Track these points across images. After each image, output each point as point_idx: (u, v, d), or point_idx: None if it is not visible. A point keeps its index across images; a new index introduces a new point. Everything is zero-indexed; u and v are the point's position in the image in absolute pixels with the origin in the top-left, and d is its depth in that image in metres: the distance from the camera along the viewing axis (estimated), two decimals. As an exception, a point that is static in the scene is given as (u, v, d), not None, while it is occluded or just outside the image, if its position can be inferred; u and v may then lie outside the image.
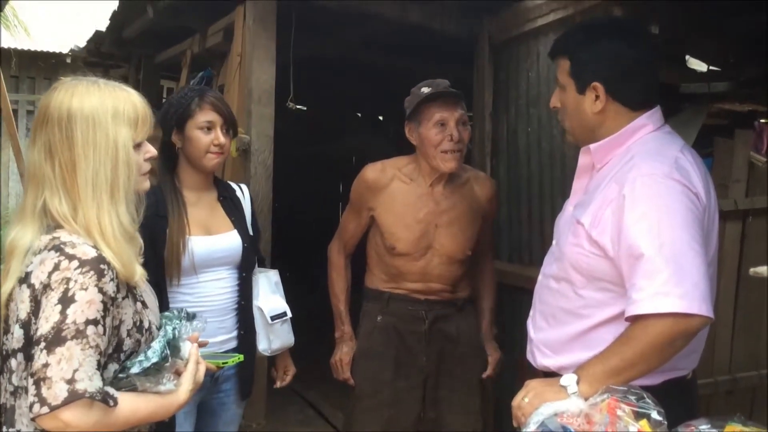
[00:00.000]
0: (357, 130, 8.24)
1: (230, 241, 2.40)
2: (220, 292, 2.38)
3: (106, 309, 1.44)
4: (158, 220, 2.24)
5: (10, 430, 1.47)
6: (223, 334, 2.37)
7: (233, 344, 2.39)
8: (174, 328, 1.61)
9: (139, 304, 1.57)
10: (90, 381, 1.39)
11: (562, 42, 1.91)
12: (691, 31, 3.25)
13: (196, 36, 4.64)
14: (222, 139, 2.35)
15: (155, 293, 1.74)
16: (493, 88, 3.90)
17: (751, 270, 2.21)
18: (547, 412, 1.57)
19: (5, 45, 8.85)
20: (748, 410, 3.18)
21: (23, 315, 1.44)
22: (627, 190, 1.64)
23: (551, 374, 1.80)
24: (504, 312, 3.41)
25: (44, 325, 1.39)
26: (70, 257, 1.42)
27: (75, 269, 1.41)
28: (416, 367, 2.76)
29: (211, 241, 2.36)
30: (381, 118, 8.67)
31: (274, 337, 2.50)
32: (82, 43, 6.56)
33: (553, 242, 1.95)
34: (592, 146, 1.84)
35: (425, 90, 2.65)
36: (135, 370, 1.49)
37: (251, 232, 2.51)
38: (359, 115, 8.67)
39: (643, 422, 1.45)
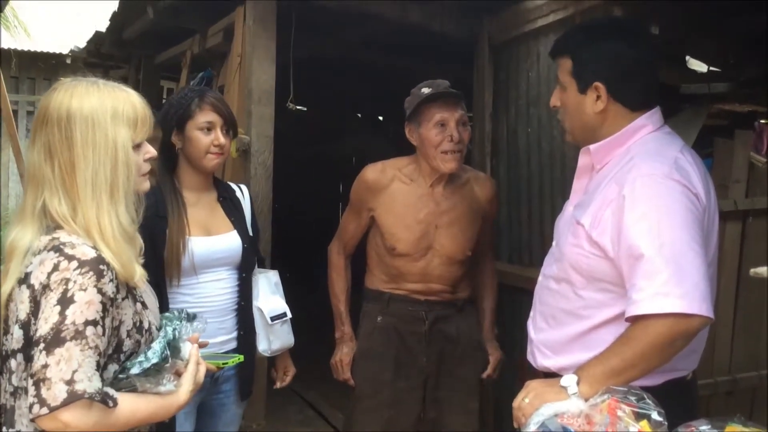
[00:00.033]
0: (357, 131, 8.24)
1: (230, 242, 2.40)
2: (220, 293, 2.37)
3: (105, 310, 1.44)
4: (158, 220, 2.24)
5: (10, 430, 1.47)
6: (223, 335, 2.37)
7: (233, 345, 2.39)
8: (174, 329, 1.61)
9: (138, 305, 1.57)
10: (89, 382, 1.39)
11: (564, 41, 1.91)
12: (691, 31, 3.25)
13: (196, 36, 4.64)
14: (222, 139, 2.35)
15: (155, 294, 1.74)
16: (493, 89, 3.90)
17: (752, 270, 2.21)
18: (548, 412, 1.57)
19: (5, 46, 8.85)
20: (748, 411, 3.18)
21: (23, 316, 1.44)
22: (627, 191, 1.64)
23: (551, 375, 1.80)
24: (504, 313, 3.40)
25: (43, 326, 1.39)
26: (70, 258, 1.42)
27: (74, 270, 1.41)
28: (416, 367, 2.76)
29: (211, 241, 2.36)
30: (381, 118, 8.67)
31: (274, 338, 2.50)
32: (82, 44, 6.57)
33: (553, 243, 1.95)
34: (591, 147, 1.84)
35: (425, 90, 2.65)
36: (135, 370, 1.49)
37: (251, 233, 2.51)
38: (359, 115, 8.67)
39: (644, 423, 1.45)
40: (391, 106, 5.01)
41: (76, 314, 1.39)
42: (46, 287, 1.41)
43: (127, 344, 1.53)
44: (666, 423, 1.47)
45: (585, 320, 1.76)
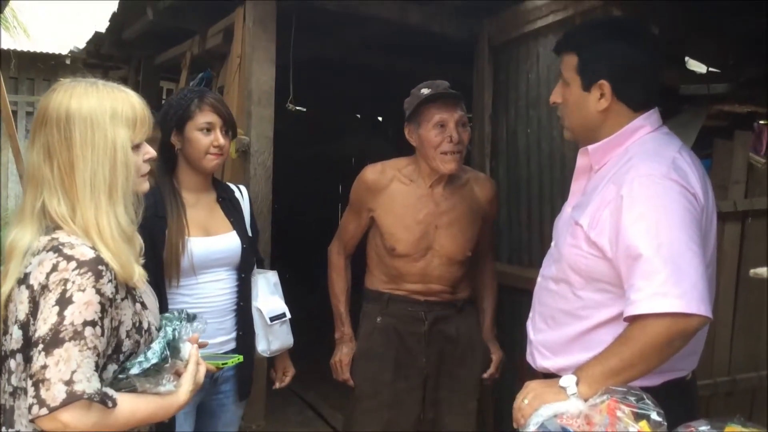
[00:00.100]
0: (357, 131, 8.24)
1: (229, 242, 2.40)
2: (219, 293, 2.38)
3: (104, 310, 1.44)
4: (157, 221, 2.24)
5: (10, 430, 1.47)
6: (222, 335, 2.37)
7: (232, 345, 2.39)
8: (174, 329, 1.61)
9: (138, 305, 1.57)
10: (88, 382, 1.39)
11: (570, 37, 1.91)
12: (691, 31, 3.25)
13: (196, 37, 4.64)
14: (221, 140, 2.36)
15: (155, 294, 1.74)
16: (492, 90, 3.90)
17: (751, 271, 2.21)
18: (547, 413, 1.57)
19: (5, 46, 8.84)
20: (748, 411, 3.18)
21: (22, 316, 1.44)
22: (625, 191, 1.64)
23: (551, 376, 1.79)
24: (504, 313, 3.40)
25: (42, 327, 1.39)
26: (69, 258, 1.43)
27: (73, 270, 1.41)
28: (416, 368, 2.76)
29: (210, 242, 2.36)
30: (380, 119, 8.67)
31: (273, 338, 2.50)
32: (82, 45, 6.58)
33: (552, 244, 1.95)
34: (590, 147, 1.84)
35: (425, 91, 2.65)
36: (135, 371, 1.49)
37: (250, 233, 2.51)
38: (359, 116, 8.67)
39: (643, 423, 1.46)
40: (390, 107, 5.01)
41: (75, 315, 1.39)
42: (45, 288, 1.41)
43: (127, 345, 1.53)
44: (665, 423, 1.47)
45: (584, 321, 1.76)
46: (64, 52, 8.97)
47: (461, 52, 4.08)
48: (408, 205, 2.72)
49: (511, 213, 3.74)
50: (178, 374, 1.59)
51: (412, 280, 2.75)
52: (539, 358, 1.90)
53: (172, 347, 1.58)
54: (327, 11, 3.85)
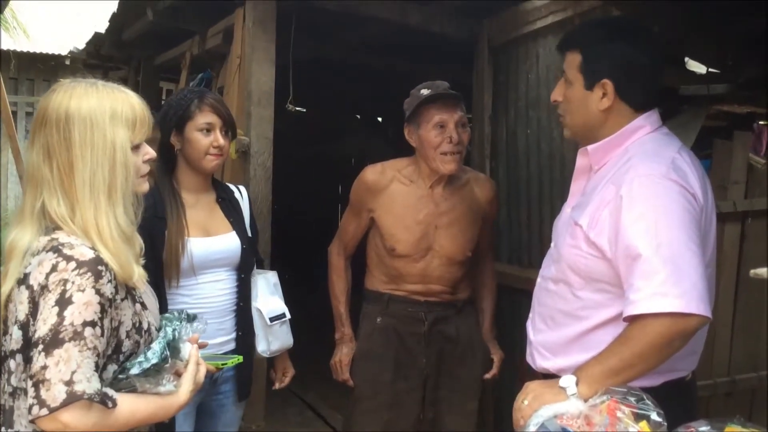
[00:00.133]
0: (356, 132, 8.25)
1: (229, 243, 2.40)
2: (219, 294, 2.37)
3: (103, 311, 1.44)
4: (157, 221, 2.24)
5: (9, 431, 1.47)
6: (222, 336, 2.36)
7: (232, 346, 2.39)
8: (174, 330, 1.61)
9: (138, 306, 1.57)
10: (88, 382, 1.39)
11: (574, 35, 1.90)
12: (691, 31, 3.25)
13: (196, 38, 4.64)
14: (221, 141, 2.36)
15: (155, 295, 1.74)
16: (492, 90, 3.90)
17: (752, 271, 2.21)
18: (547, 414, 1.57)
19: (4, 47, 8.84)
20: (748, 412, 3.18)
21: (22, 316, 1.44)
22: (624, 191, 1.64)
23: (551, 376, 1.79)
24: (504, 314, 3.41)
25: (42, 327, 1.39)
26: (68, 258, 1.43)
27: (72, 270, 1.41)
28: (416, 368, 2.76)
29: (210, 242, 2.36)
30: (380, 119, 8.68)
31: (273, 339, 2.50)
32: (82, 45, 6.58)
33: (552, 244, 1.95)
34: (589, 147, 1.84)
35: (424, 92, 2.65)
36: (135, 371, 1.49)
37: (250, 234, 2.51)
38: (359, 116, 8.68)
39: (643, 423, 1.46)
40: (390, 107, 5.01)
41: (75, 315, 1.39)
42: (44, 288, 1.41)
43: (126, 345, 1.53)
44: (665, 424, 1.47)
45: (583, 321, 1.76)
46: (64, 52, 8.99)
47: (461, 52, 4.08)
48: (408, 206, 2.72)
49: (511, 213, 3.74)
50: (178, 374, 1.59)
51: (412, 281, 2.75)
52: (539, 358, 1.90)
53: (172, 347, 1.58)
54: (327, 11, 3.85)
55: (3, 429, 1.48)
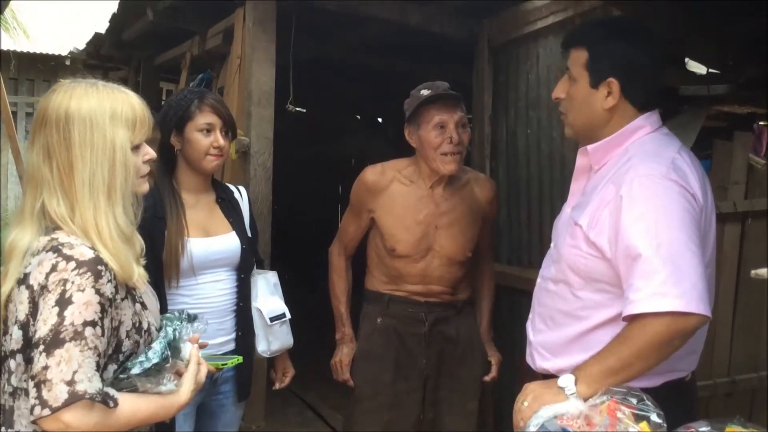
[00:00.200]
0: (356, 132, 8.25)
1: (228, 243, 2.40)
2: (219, 294, 2.38)
3: (103, 310, 1.44)
4: (157, 222, 2.24)
5: (10, 431, 1.47)
6: (222, 336, 2.37)
7: (232, 346, 2.39)
8: (174, 330, 1.61)
9: (138, 306, 1.57)
10: (90, 382, 1.39)
11: (580, 33, 1.90)
12: (691, 31, 3.25)
13: (196, 38, 4.64)
14: (221, 141, 2.36)
15: (155, 295, 1.74)
16: (492, 90, 3.90)
17: (752, 272, 2.21)
18: (547, 414, 1.57)
19: (4, 47, 8.85)
20: (747, 412, 3.18)
21: (22, 316, 1.44)
22: (624, 191, 1.64)
23: (551, 377, 1.79)
24: (504, 314, 3.41)
25: (42, 328, 1.39)
26: (68, 258, 1.43)
27: (72, 270, 1.41)
28: (416, 368, 2.76)
29: (210, 242, 2.36)
30: (380, 119, 8.68)
31: (273, 339, 2.50)
32: (82, 46, 6.58)
33: (551, 244, 1.95)
34: (589, 147, 1.84)
35: (425, 92, 2.65)
36: (136, 370, 1.49)
37: (249, 234, 2.51)
38: (359, 116, 8.68)
39: (643, 424, 1.46)
40: (390, 108, 5.01)
41: (75, 315, 1.39)
42: (44, 288, 1.41)
43: (126, 345, 1.53)
44: (665, 425, 1.47)
45: (583, 321, 1.76)
46: (64, 53, 8.99)
47: (461, 52, 4.08)
48: (408, 206, 2.72)
49: (511, 213, 3.74)
50: (178, 374, 1.59)
51: (412, 281, 2.75)
52: (539, 359, 1.90)
53: (173, 347, 1.58)
54: (327, 11, 3.85)
55: (3, 429, 1.48)
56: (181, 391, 1.57)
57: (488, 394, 3.24)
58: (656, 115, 1.82)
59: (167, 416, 1.58)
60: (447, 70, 4.45)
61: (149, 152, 1.62)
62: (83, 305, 1.40)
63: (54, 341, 1.38)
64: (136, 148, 1.58)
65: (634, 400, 1.49)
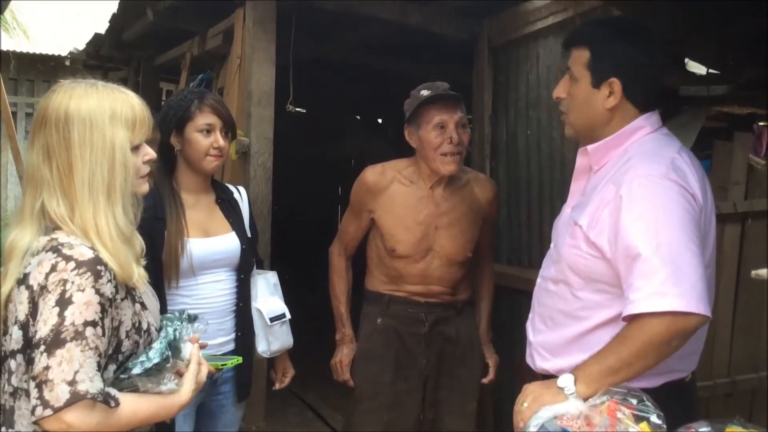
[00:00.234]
0: (356, 132, 8.25)
1: (228, 243, 2.40)
2: (219, 294, 2.38)
3: (104, 310, 1.44)
4: (156, 222, 2.24)
5: (10, 431, 1.46)
6: (222, 336, 2.37)
7: (231, 346, 2.39)
8: (175, 330, 1.61)
9: (137, 306, 1.57)
10: (91, 382, 1.39)
11: (582, 32, 1.90)
12: (691, 31, 3.24)
13: (196, 38, 4.63)
14: (221, 141, 2.36)
15: (156, 295, 1.74)
16: (492, 91, 3.90)
17: (753, 272, 2.21)
18: (547, 415, 1.57)
19: (4, 48, 8.85)
20: (748, 413, 3.18)
21: (22, 316, 1.44)
22: (624, 191, 1.64)
23: (550, 377, 1.79)
24: (503, 314, 3.41)
25: (43, 328, 1.39)
26: (67, 258, 1.42)
27: (72, 270, 1.41)
28: (416, 369, 2.76)
29: (209, 243, 2.36)
30: (380, 120, 8.67)
31: (274, 339, 2.50)
32: (81, 46, 6.57)
33: (551, 245, 1.95)
34: (589, 147, 1.84)
35: (424, 92, 2.65)
36: (137, 370, 1.50)
37: (249, 234, 2.51)
38: (359, 117, 8.67)
39: (643, 425, 1.46)
40: (390, 108, 5.01)
41: (75, 315, 1.39)
42: (44, 288, 1.41)
43: (126, 345, 1.53)
44: (665, 426, 1.47)
45: (583, 321, 1.76)
46: (64, 53, 8.99)
47: (461, 52, 4.08)
48: (408, 206, 2.72)
49: (511, 214, 3.74)
50: (179, 374, 1.59)
51: (412, 282, 2.75)
52: (538, 359, 1.90)
53: (173, 347, 1.58)
54: (327, 12, 3.85)
55: (4, 429, 1.47)
56: (182, 390, 1.57)
57: (488, 395, 3.24)
58: (656, 115, 1.82)
59: (168, 416, 1.58)
60: (447, 70, 4.45)
61: (149, 152, 1.62)
62: (84, 305, 1.40)
63: (55, 341, 1.37)
64: (135, 149, 1.58)
65: (634, 401, 1.49)
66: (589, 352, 1.68)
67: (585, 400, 1.57)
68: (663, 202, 1.61)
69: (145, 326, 1.58)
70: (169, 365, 1.55)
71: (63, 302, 1.39)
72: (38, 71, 10.85)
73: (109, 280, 1.46)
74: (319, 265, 3.67)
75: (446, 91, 2.65)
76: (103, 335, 1.44)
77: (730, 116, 4.26)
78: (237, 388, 2.45)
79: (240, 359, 2.06)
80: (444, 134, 2.61)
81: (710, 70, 4.05)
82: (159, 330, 1.63)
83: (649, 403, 1.48)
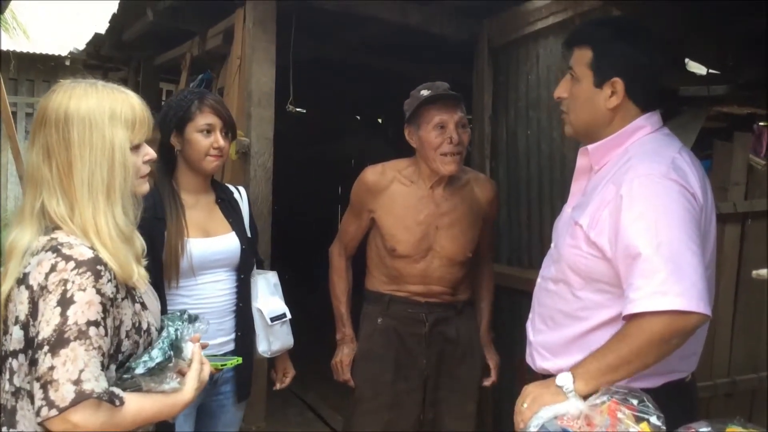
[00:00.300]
0: (356, 132, 8.25)
1: (228, 243, 2.40)
2: (219, 294, 2.37)
3: (105, 310, 1.44)
4: (156, 222, 2.24)
5: (11, 430, 1.46)
6: (222, 336, 2.36)
7: (231, 346, 2.39)
8: (176, 330, 1.61)
9: (138, 306, 1.57)
10: (96, 381, 1.39)
11: (585, 32, 1.89)
12: (691, 31, 3.25)
13: (196, 38, 4.63)
14: (221, 142, 2.35)
15: (156, 295, 1.74)
16: (492, 91, 3.90)
17: (754, 273, 2.21)
18: (547, 415, 1.57)
19: (4, 47, 8.85)
20: (748, 413, 3.18)
21: (22, 317, 1.44)
22: (624, 191, 1.64)
23: (550, 377, 1.79)
24: (504, 315, 3.41)
25: (45, 329, 1.39)
26: (67, 258, 1.42)
27: (72, 270, 1.41)
28: (416, 369, 2.76)
29: (209, 243, 2.36)
30: (380, 120, 8.68)
31: (274, 339, 2.50)
32: (82, 46, 6.57)
33: (552, 245, 1.95)
34: (590, 147, 1.84)
35: (424, 92, 2.65)
36: (140, 370, 1.50)
37: (249, 234, 2.51)
38: (359, 117, 8.67)
39: (644, 425, 1.45)
40: (390, 108, 5.01)
41: (78, 314, 1.39)
42: (44, 288, 1.41)
43: (126, 345, 1.53)
44: (665, 427, 1.47)
45: (583, 322, 1.76)
46: (64, 53, 9.00)
47: (461, 52, 4.08)
48: (408, 206, 2.72)
49: (511, 214, 3.74)
50: (181, 373, 1.59)
51: (412, 282, 2.75)
52: (539, 359, 1.90)
53: (175, 347, 1.58)
54: (327, 12, 3.85)
55: (5, 429, 1.47)
56: (185, 389, 1.57)
57: (488, 395, 3.23)
58: (657, 115, 1.82)
59: (171, 414, 1.58)
60: (447, 70, 4.45)
61: (149, 152, 1.62)
62: (85, 305, 1.40)
63: (58, 341, 1.37)
64: (135, 149, 1.58)
65: (634, 401, 1.49)
66: (589, 352, 1.68)
67: (584, 397, 1.57)
68: (663, 202, 1.61)
69: (145, 326, 1.58)
70: (171, 365, 1.55)
71: (65, 302, 1.39)
72: (38, 71, 10.86)
73: (110, 280, 1.46)
74: (319, 265, 3.67)
75: (446, 91, 2.65)
76: (106, 335, 1.44)
77: (730, 116, 4.26)
78: (237, 388, 2.45)
79: (240, 360, 2.06)
80: (444, 134, 2.61)
81: (710, 70, 4.05)
82: (159, 330, 1.63)
83: (649, 404, 1.48)
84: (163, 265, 2.25)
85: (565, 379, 1.61)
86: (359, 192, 2.80)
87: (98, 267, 1.44)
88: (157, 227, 2.25)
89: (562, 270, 1.80)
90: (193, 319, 1.70)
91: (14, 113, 8.54)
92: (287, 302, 2.57)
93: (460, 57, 4.13)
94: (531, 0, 3.55)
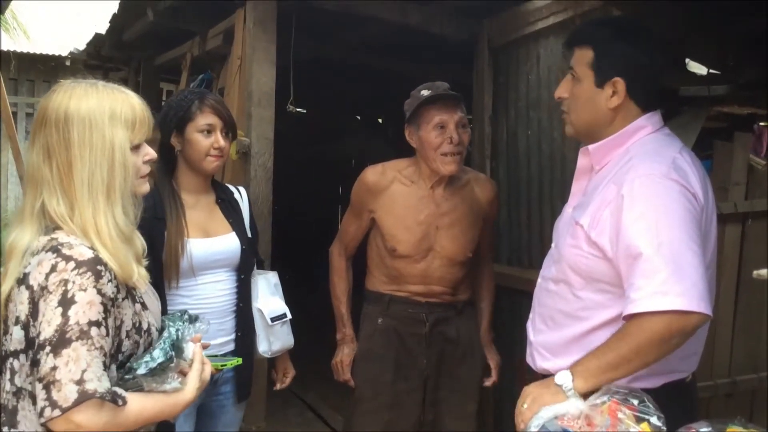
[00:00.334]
0: (357, 132, 8.25)
1: (228, 244, 2.40)
2: (219, 295, 2.37)
3: (106, 310, 1.44)
4: (156, 222, 2.24)
5: (12, 431, 1.46)
6: (222, 336, 2.36)
7: (231, 346, 2.39)
8: (177, 330, 1.61)
9: (138, 306, 1.57)
10: (99, 381, 1.39)
11: (586, 32, 1.89)
12: (691, 31, 3.25)
13: (196, 39, 4.63)
14: (222, 142, 2.35)
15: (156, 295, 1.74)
16: (492, 91, 3.90)
17: (755, 273, 2.21)
18: (547, 415, 1.57)
19: (4, 48, 8.85)
20: (748, 413, 3.18)
21: (23, 317, 1.44)
22: (625, 191, 1.64)
23: (550, 377, 1.79)
24: (504, 315, 3.41)
25: (47, 329, 1.39)
26: (67, 258, 1.42)
27: (72, 270, 1.41)
28: (416, 369, 2.76)
29: (210, 243, 2.35)
30: (380, 120, 8.68)
31: (274, 339, 2.50)
32: (82, 46, 6.58)
33: (552, 245, 1.95)
34: (590, 147, 1.84)
35: (425, 92, 2.65)
36: (141, 371, 1.50)
37: (249, 235, 2.50)
38: (359, 117, 8.67)
39: (644, 425, 1.45)
40: (390, 108, 5.01)
41: (79, 314, 1.39)
42: (44, 289, 1.41)
43: (126, 345, 1.53)
44: (665, 427, 1.47)
45: (583, 322, 1.76)
46: (64, 53, 9.00)
47: (461, 53, 4.08)
48: (409, 206, 2.72)
49: (511, 214, 3.74)
50: (182, 373, 1.60)
51: (413, 282, 2.75)
52: (539, 359, 1.90)
53: (176, 347, 1.58)
54: (327, 12, 3.85)
55: (5, 429, 1.47)
56: (187, 389, 1.57)
57: (488, 395, 3.23)
58: (658, 115, 1.82)
59: (173, 414, 1.59)
60: (447, 70, 4.45)
61: (149, 152, 1.62)
62: (87, 305, 1.40)
63: (60, 341, 1.37)
64: (136, 149, 1.58)
65: (635, 401, 1.49)
66: (589, 352, 1.69)
67: (583, 396, 1.57)
68: (664, 202, 1.61)
69: (145, 326, 1.58)
70: (173, 365, 1.55)
71: (66, 302, 1.39)
72: (38, 71, 10.85)
73: (110, 280, 1.46)
74: (319, 265, 3.67)
75: (446, 91, 2.65)
76: (107, 335, 1.44)
77: (730, 116, 4.26)
78: (237, 388, 2.45)
79: (240, 360, 2.06)
80: (444, 134, 2.61)
81: (710, 70, 4.05)
82: (160, 330, 1.63)
83: (649, 404, 1.48)
84: (163, 266, 2.25)
85: (564, 378, 1.61)
86: (359, 192, 2.80)
87: (98, 267, 1.44)
88: (158, 227, 2.24)
89: (563, 270, 1.80)
90: (193, 319, 1.70)
91: (14, 113, 8.54)
92: (287, 302, 2.57)
93: (460, 57, 4.12)
94: (531, 0, 3.55)
